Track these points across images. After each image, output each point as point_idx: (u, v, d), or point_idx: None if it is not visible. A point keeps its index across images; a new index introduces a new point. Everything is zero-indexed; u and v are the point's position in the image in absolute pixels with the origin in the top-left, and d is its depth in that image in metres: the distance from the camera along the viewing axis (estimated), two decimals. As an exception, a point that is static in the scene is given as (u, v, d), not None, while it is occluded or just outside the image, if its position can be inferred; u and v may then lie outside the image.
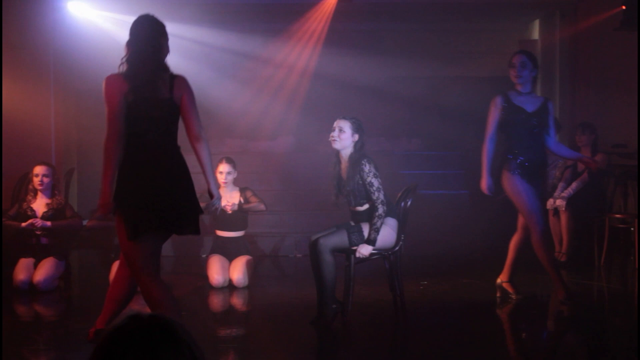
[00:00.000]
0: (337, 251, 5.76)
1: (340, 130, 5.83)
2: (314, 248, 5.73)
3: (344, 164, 5.89)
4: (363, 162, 5.76)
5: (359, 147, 5.85)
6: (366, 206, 5.82)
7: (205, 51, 11.40)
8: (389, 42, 12.44)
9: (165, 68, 4.57)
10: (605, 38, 10.25)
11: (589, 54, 10.91)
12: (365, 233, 5.75)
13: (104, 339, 1.77)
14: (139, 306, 6.05)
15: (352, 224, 5.90)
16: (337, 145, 5.84)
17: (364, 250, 5.73)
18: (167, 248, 8.74)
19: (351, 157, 5.83)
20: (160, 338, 1.75)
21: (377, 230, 5.72)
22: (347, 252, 5.80)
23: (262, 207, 7.64)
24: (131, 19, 4.64)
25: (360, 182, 5.76)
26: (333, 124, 5.91)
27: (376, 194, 5.72)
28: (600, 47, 10.62)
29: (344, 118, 5.90)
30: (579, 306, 6.38)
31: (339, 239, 5.75)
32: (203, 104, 11.62)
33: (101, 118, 8.21)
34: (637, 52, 9.09)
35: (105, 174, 4.46)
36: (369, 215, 5.77)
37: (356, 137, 5.84)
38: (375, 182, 5.73)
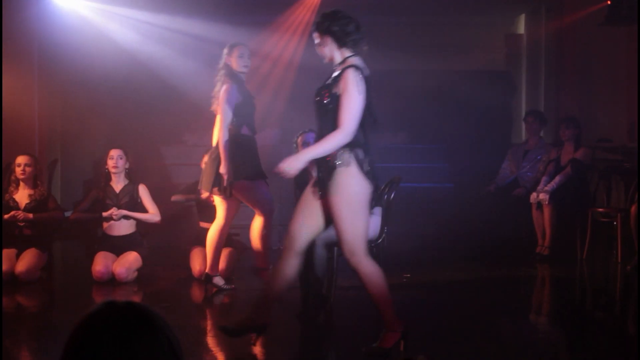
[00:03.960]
0: (331, 245, 5.69)
1: None
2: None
3: None
4: None
5: None
6: None
7: (190, 43, 11.36)
8: (374, 35, 12.37)
9: None
10: (591, 33, 10.28)
11: (574, 48, 10.94)
12: None
13: (78, 325, 1.74)
14: (120, 296, 6.03)
15: None
16: None
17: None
18: (151, 239, 8.71)
19: None
20: (136, 325, 1.71)
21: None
22: (335, 245, 5.76)
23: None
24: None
25: None
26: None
27: None
28: (585, 41, 10.66)
29: None
30: (561, 300, 6.41)
31: (333, 232, 5.69)
32: (189, 96, 11.62)
33: (86, 110, 8.12)
34: (632, 47, 9.10)
35: None
36: None
37: None
38: None
